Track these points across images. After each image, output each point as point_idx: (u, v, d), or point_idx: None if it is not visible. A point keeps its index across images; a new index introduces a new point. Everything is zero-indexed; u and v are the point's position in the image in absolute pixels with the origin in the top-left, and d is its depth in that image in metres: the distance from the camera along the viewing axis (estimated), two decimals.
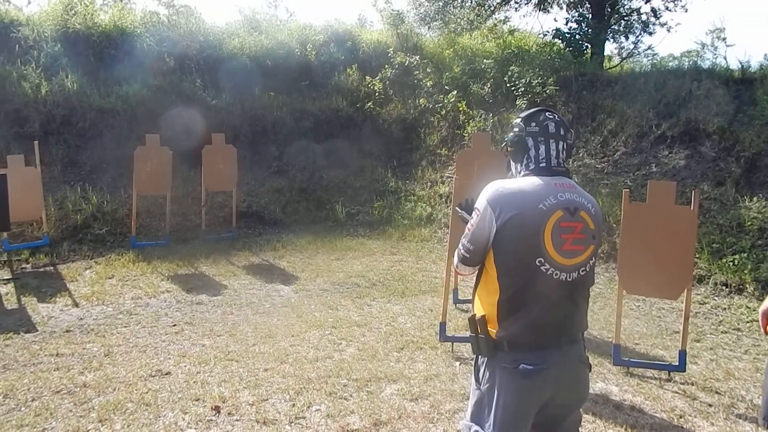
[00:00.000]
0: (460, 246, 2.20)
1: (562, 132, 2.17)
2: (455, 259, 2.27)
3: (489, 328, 2.09)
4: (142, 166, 8.32)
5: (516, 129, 2.21)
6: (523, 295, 2.03)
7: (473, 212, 2.14)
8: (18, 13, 11.61)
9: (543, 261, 2.00)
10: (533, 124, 2.17)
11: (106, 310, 5.87)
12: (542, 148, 2.15)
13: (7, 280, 6.75)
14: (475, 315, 2.15)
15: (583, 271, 2.09)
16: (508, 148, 2.24)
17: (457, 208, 2.54)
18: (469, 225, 2.16)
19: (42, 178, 7.85)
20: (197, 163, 9.17)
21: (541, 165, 2.14)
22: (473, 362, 2.24)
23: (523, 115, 2.23)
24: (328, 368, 4.45)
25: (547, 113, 2.19)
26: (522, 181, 2.11)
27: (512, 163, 2.27)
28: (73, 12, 11.20)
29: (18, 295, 6.25)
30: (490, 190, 2.09)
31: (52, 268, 7.35)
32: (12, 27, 10.67)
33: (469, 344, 2.20)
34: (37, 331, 5.21)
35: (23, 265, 7.37)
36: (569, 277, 2.04)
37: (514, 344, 2.05)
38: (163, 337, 5.12)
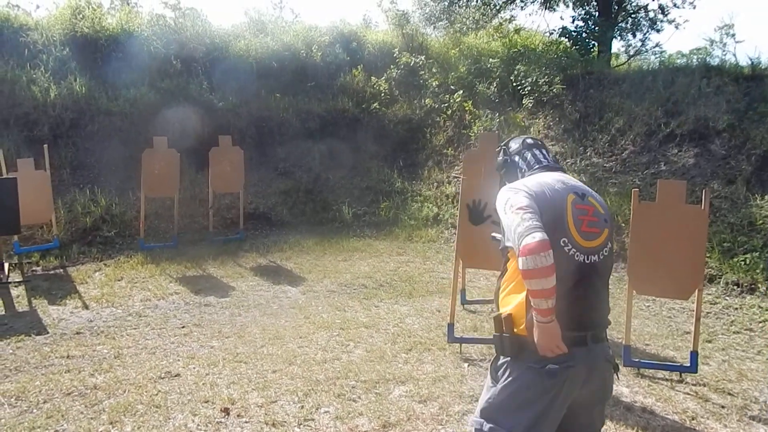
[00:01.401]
0: (522, 224, 1.94)
1: (540, 142, 2.40)
2: (527, 246, 1.89)
3: (516, 326, 2.07)
4: (149, 169, 8.35)
5: (501, 155, 2.45)
6: None
7: (505, 202, 2.08)
8: (27, 18, 11.67)
9: (567, 241, 2.04)
10: (512, 145, 2.43)
11: (116, 312, 5.89)
12: (529, 155, 2.34)
13: (18, 282, 6.80)
14: (501, 314, 2.13)
15: (602, 254, 2.11)
16: (502, 173, 2.44)
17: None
18: (515, 206, 2.02)
19: (51, 181, 7.91)
20: (204, 165, 9.21)
21: (540, 164, 2.30)
22: (489, 362, 2.23)
23: (501, 144, 2.49)
24: (336, 370, 4.44)
25: (525, 138, 2.43)
26: (531, 177, 2.23)
27: (507, 183, 2.35)
28: (81, 16, 11.26)
29: (29, 298, 6.29)
30: (508, 187, 2.19)
31: (62, 270, 7.39)
32: (21, 31, 10.74)
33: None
34: (47, 333, 5.25)
35: (34, 268, 7.42)
36: (588, 259, 2.06)
37: None
38: (172, 338, 5.14)
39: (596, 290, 2.11)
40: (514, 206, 2.02)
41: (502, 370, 2.12)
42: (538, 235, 1.89)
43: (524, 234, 1.92)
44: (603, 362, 2.12)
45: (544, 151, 2.35)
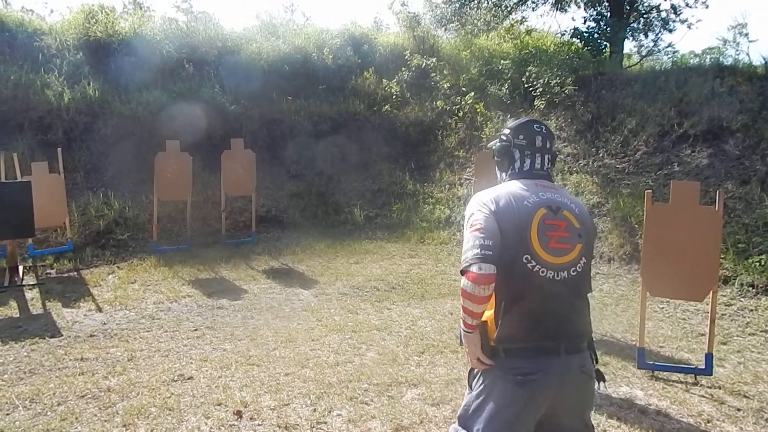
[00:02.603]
0: (473, 250, 1.98)
1: (548, 145, 2.24)
2: (470, 273, 1.95)
3: (488, 335, 2.07)
4: (162, 172, 8.42)
5: (504, 139, 2.28)
6: (516, 294, 2.03)
7: (469, 217, 2.10)
8: (41, 23, 11.82)
9: (530, 258, 2.01)
10: (521, 136, 2.24)
11: (129, 314, 5.93)
12: (528, 161, 2.22)
13: (32, 285, 6.86)
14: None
15: (574, 271, 2.07)
16: (496, 158, 2.32)
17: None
18: (474, 226, 2.04)
19: (65, 184, 7.99)
20: (217, 168, 9.26)
21: (524, 170, 2.21)
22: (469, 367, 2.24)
23: (511, 125, 2.29)
24: (349, 373, 4.44)
25: (535, 125, 2.25)
26: (505, 186, 2.17)
27: (498, 171, 2.34)
28: (94, 20, 11.38)
29: (43, 300, 6.34)
30: (477, 197, 2.13)
31: (75, 273, 7.46)
32: (35, 36, 10.87)
33: None
34: (61, 335, 5.29)
35: (48, 271, 7.49)
36: (558, 276, 2.03)
37: (511, 351, 2.04)
38: (185, 341, 5.16)
39: (569, 304, 2.07)
40: (473, 226, 2.04)
41: (476, 377, 2.14)
42: (484, 267, 1.94)
43: (471, 260, 1.97)
44: (578, 373, 2.07)
45: (544, 158, 2.22)
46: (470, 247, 2.00)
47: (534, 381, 1.99)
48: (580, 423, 2.16)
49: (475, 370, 2.15)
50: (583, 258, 2.09)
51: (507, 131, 2.27)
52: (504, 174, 2.27)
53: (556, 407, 2.06)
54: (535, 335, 2.03)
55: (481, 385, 2.10)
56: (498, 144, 2.29)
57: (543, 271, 2.01)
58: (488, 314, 2.09)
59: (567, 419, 2.12)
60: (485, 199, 2.09)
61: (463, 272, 1.99)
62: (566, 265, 2.05)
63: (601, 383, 2.19)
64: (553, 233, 2.04)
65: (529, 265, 2.00)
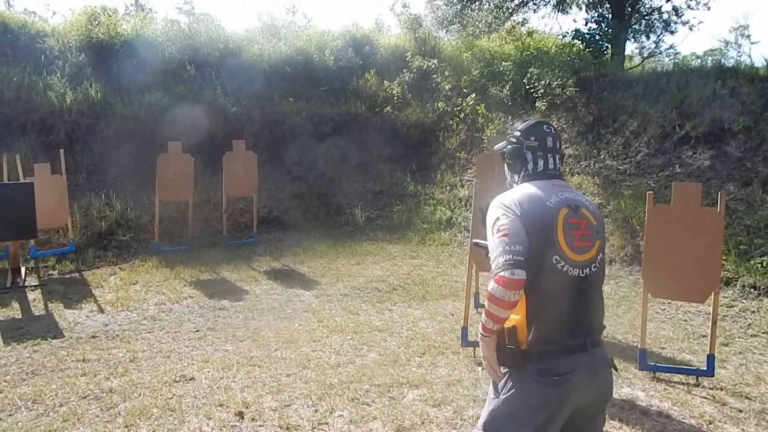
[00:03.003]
0: (504, 256, 1.96)
1: (557, 145, 2.26)
2: (502, 278, 1.93)
3: (519, 339, 2.07)
4: (164, 173, 8.43)
5: (514, 141, 2.27)
6: (547, 296, 2.03)
7: (494, 221, 2.07)
8: (44, 25, 11.86)
9: (558, 258, 2.02)
10: (532, 138, 2.24)
11: (131, 315, 5.94)
12: (540, 161, 2.22)
13: (34, 286, 6.87)
14: (503, 326, 2.12)
15: (594, 267, 2.10)
16: (507, 160, 2.31)
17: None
18: (501, 231, 2.02)
19: (67, 185, 7.99)
20: (218, 170, 9.28)
21: (537, 171, 2.21)
22: None
23: (522, 127, 2.29)
24: (350, 373, 4.44)
25: (544, 126, 2.27)
26: (523, 188, 2.16)
27: (509, 173, 2.33)
28: (96, 22, 11.40)
29: (45, 302, 6.35)
30: (499, 201, 2.12)
31: (77, 274, 7.47)
32: (38, 38, 10.90)
33: None
34: (64, 336, 5.29)
35: (50, 272, 7.50)
36: (582, 273, 2.06)
37: (543, 352, 2.03)
38: (187, 342, 5.17)
39: (591, 299, 2.12)
40: (500, 231, 2.02)
41: (503, 381, 2.11)
42: (516, 273, 1.93)
43: (502, 266, 1.95)
44: (603, 364, 2.13)
45: (555, 158, 2.23)
46: (500, 253, 1.97)
47: (569, 380, 2.01)
48: (601, 413, 2.20)
49: (501, 372, 2.15)
50: (600, 253, 2.14)
51: (517, 133, 2.27)
52: (516, 176, 2.26)
53: (582, 400, 2.08)
54: (565, 334, 2.04)
55: (511, 389, 2.08)
56: (509, 146, 2.29)
57: (571, 270, 2.03)
58: (516, 318, 2.09)
59: (591, 410, 2.15)
60: (508, 202, 2.08)
61: (493, 277, 1.97)
62: (588, 262, 2.08)
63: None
64: (576, 232, 2.07)
65: (558, 265, 2.02)
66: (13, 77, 9.78)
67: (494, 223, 2.06)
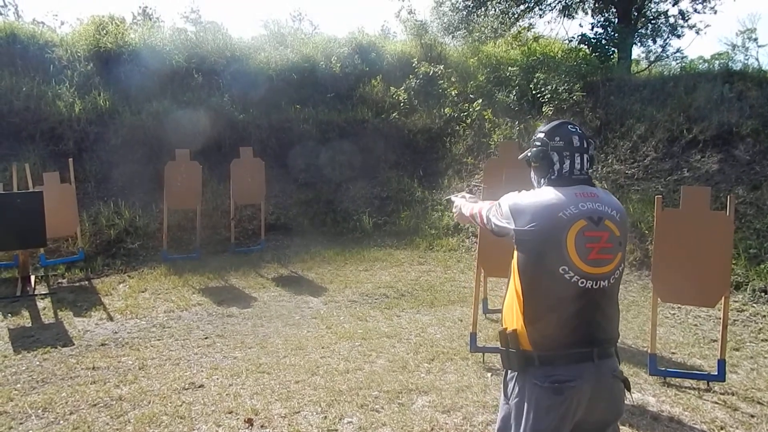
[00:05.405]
0: (492, 215, 2.28)
1: (585, 145, 2.17)
2: (483, 213, 2.40)
3: (520, 342, 2.07)
4: (172, 181, 8.47)
5: (539, 144, 2.21)
6: (549, 303, 2.03)
7: (496, 206, 2.25)
8: (52, 35, 11.96)
9: (567, 269, 1.99)
10: (557, 138, 2.17)
11: (140, 323, 5.96)
12: (567, 162, 2.15)
13: (44, 294, 6.91)
14: (506, 329, 2.13)
15: (613, 278, 2.07)
16: (533, 164, 2.25)
17: (449, 197, 2.91)
18: (498, 213, 2.23)
19: (76, 194, 8.04)
20: (226, 177, 9.31)
21: (563, 175, 2.15)
22: (503, 375, 2.22)
23: (545, 128, 2.24)
24: (359, 380, 4.44)
25: (569, 126, 2.21)
26: (539, 193, 2.13)
27: (535, 178, 2.28)
28: (104, 31, 11.50)
29: (55, 310, 6.39)
30: (508, 200, 2.16)
31: (87, 282, 7.50)
32: (47, 48, 11.00)
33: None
34: (73, 344, 5.32)
35: (59, 280, 7.54)
36: (597, 284, 2.02)
37: (546, 357, 2.02)
38: (196, 349, 5.18)
39: (603, 310, 2.08)
40: (500, 208, 2.22)
41: (511, 385, 2.12)
42: (493, 227, 2.29)
43: (488, 219, 2.32)
44: (610, 378, 2.08)
45: (583, 158, 2.16)
46: (490, 211, 2.32)
47: (572, 388, 1.99)
48: (610, 427, 2.16)
49: (509, 376, 2.14)
50: (621, 265, 2.10)
51: (541, 134, 2.22)
52: (543, 180, 2.21)
53: (588, 413, 2.05)
54: (570, 342, 2.02)
55: (518, 395, 2.08)
56: (533, 149, 2.23)
57: (582, 282, 2.00)
58: (518, 319, 2.09)
59: (601, 423, 2.12)
60: (512, 209, 2.15)
61: (478, 220, 2.48)
62: (607, 275, 2.04)
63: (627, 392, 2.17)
64: (594, 245, 2.02)
65: (566, 275, 1.99)
66: (22, 87, 9.87)
67: (503, 199, 2.20)
